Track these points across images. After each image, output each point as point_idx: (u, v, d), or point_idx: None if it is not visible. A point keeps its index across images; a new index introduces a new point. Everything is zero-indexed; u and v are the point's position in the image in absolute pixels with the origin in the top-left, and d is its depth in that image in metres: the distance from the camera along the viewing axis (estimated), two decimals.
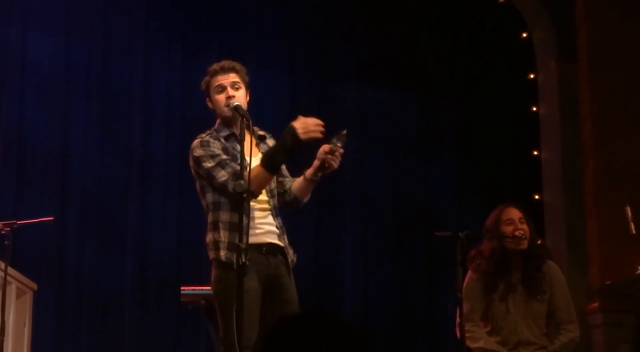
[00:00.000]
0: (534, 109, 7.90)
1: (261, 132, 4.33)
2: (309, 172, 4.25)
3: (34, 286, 6.07)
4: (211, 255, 4.19)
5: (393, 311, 7.80)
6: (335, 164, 4.15)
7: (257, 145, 4.25)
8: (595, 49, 7.62)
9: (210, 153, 4.20)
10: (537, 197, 7.66)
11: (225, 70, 4.29)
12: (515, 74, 7.94)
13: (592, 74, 7.60)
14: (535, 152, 7.82)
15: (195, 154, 4.24)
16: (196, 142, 4.28)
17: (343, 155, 4.18)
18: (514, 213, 5.02)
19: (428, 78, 8.09)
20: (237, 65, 4.33)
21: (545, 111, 7.83)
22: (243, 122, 4.08)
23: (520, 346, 4.94)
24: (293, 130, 4.06)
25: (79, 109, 7.16)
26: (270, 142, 4.34)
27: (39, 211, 6.43)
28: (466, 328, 4.88)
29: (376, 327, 7.53)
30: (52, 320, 6.80)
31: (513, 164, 7.81)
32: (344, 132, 4.16)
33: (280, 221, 4.28)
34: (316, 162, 4.19)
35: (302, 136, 4.07)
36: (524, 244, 4.93)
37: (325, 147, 4.15)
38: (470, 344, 4.93)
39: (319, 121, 4.12)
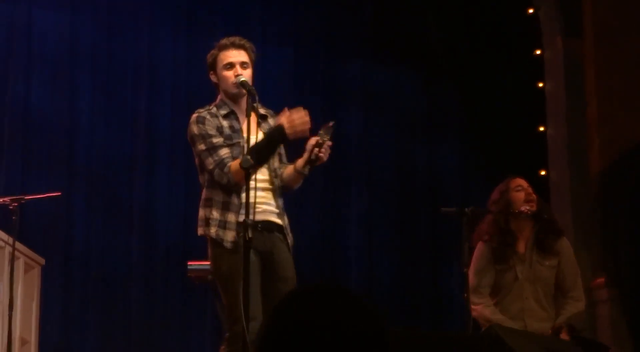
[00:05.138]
0: (540, 85, 7.88)
1: (262, 111, 4.35)
2: (299, 163, 4.28)
3: (42, 261, 6.11)
4: (200, 231, 4.25)
5: (398, 288, 7.83)
6: (325, 157, 4.19)
7: (259, 124, 4.27)
8: (601, 25, 7.59)
9: (203, 133, 4.24)
10: (542, 173, 7.66)
11: (236, 47, 4.32)
12: (521, 50, 7.90)
13: (597, 50, 7.56)
14: (541, 129, 7.81)
15: (190, 131, 4.30)
16: (193, 117, 4.32)
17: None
18: (523, 182, 5.11)
19: (433, 55, 8.08)
20: (247, 43, 4.37)
21: (551, 87, 7.80)
22: (248, 98, 4.12)
23: (525, 315, 4.98)
24: (281, 128, 4.13)
25: (85, 85, 7.20)
26: (272, 121, 4.37)
27: (45, 186, 6.47)
28: (474, 300, 4.93)
29: (382, 304, 7.52)
30: (60, 295, 6.87)
31: (518, 140, 7.79)
32: (331, 124, 4.19)
33: (282, 201, 4.32)
34: (305, 155, 4.22)
35: (289, 133, 4.12)
36: (533, 206, 5.00)
37: (312, 140, 4.20)
38: (477, 314, 4.97)
39: (304, 115, 4.14)
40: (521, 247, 5.08)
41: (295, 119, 4.14)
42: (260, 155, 4.10)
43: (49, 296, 6.60)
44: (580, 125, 7.54)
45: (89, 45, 7.22)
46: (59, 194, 5.94)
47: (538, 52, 7.88)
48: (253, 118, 4.17)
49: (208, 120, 4.28)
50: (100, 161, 7.14)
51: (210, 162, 4.21)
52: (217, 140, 4.23)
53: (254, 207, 4.03)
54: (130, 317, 7.03)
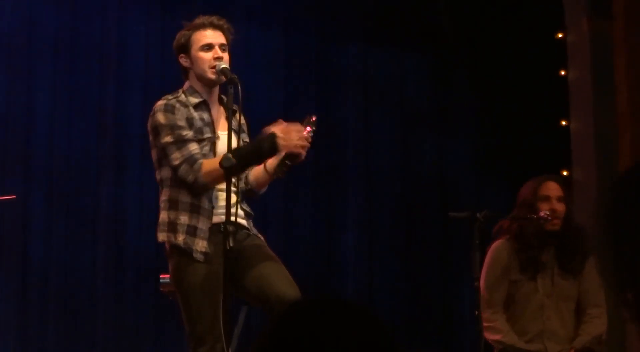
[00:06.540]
0: (563, 73, 7.84)
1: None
2: (271, 162, 4.20)
3: None
4: (161, 237, 4.17)
5: (402, 302, 7.77)
6: (304, 155, 4.11)
7: (227, 118, 4.22)
8: (633, 4, 7.56)
9: (172, 123, 4.16)
10: (565, 173, 7.62)
11: (214, 27, 4.30)
12: (542, 34, 7.88)
13: (628, 33, 7.54)
14: (564, 123, 7.78)
15: (156, 119, 4.21)
16: (160, 104, 4.25)
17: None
18: (553, 190, 5.01)
19: (442, 37, 8.04)
20: (226, 24, 4.35)
21: (576, 76, 7.77)
22: (230, 88, 4.08)
23: (544, 338, 4.94)
24: (273, 138, 3.99)
25: (44, 73, 7.10)
26: (242, 118, 4.31)
27: None
28: (485, 316, 4.89)
29: (383, 319, 7.48)
30: (14, 312, 6.79)
31: (538, 136, 7.76)
32: (314, 118, 4.12)
33: (246, 206, 4.27)
34: (281, 153, 4.12)
35: (282, 147, 4.01)
36: (556, 225, 4.91)
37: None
38: (488, 335, 4.93)
39: (304, 132, 4.05)
40: (545, 256, 5.02)
41: (292, 130, 4.05)
42: (242, 161, 4.03)
43: (2, 313, 6.55)
44: (608, 118, 7.50)
45: (50, 28, 7.14)
46: (14, 197, 5.88)
47: (560, 35, 7.84)
48: (222, 111, 4.14)
49: (178, 110, 4.21)
50: (61, 161, 7.04)
51: (176, 157, 4.15)
52: (187, 133, 4.17)
53: (217, 208, 4.00)
54: (95, 336, 6.93)
